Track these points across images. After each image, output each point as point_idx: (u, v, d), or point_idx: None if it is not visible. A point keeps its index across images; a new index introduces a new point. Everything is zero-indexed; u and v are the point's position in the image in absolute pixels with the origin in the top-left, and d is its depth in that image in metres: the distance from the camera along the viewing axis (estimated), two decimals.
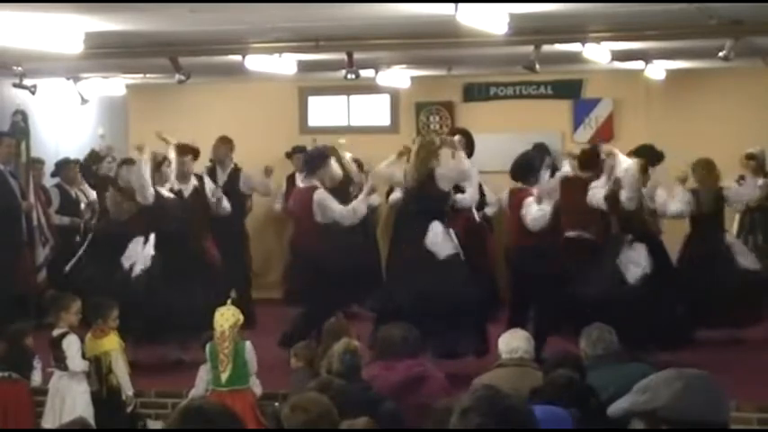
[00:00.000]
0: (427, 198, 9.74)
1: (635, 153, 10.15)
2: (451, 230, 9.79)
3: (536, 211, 9.88)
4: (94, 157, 12.30)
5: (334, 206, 10.07)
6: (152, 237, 10.08)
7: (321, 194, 10.07)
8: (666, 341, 9.39)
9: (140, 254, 10.08)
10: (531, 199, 9.97)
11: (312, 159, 10.57)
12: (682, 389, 2.95)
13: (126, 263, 10.11)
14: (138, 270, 9.99)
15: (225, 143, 12.62)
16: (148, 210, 10.17)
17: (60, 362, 8.34)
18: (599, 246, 10.03)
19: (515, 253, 10.31)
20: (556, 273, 9.70)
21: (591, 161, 10.49)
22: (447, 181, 9.85)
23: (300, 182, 11.39)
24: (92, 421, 7.76)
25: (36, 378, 8.57)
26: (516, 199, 10.23)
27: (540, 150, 11.38)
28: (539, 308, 9.96)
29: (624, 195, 9.74)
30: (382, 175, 10.51)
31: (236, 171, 12.55)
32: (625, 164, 9.80)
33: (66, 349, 8.29)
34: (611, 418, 3.09)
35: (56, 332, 8.42)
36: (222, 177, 12.38)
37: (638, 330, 9.02)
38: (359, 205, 10.26)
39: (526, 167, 10.33)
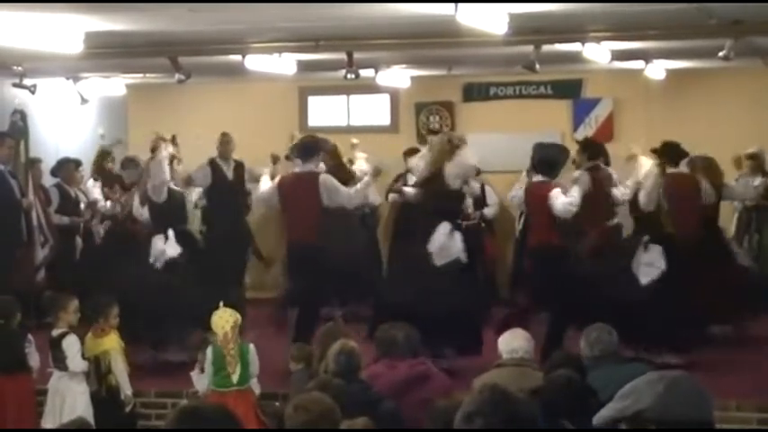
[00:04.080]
0: (436, 196, 9.75)
1: (658, 152, 10.37)
2: (457, 233, 9.76)
3: (566, 198, 9.58)
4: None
5: (341, 188, 9.98)
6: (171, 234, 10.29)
7: (327, 177, 10.06)
8: (679, 343, 9.42)
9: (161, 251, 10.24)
10: (557, 190, 9.63)
11: (307, 147, 10.28)
12: (664, 390, 2.98)
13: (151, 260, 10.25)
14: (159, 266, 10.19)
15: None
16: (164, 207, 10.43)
17: (60, 362, 8.30)
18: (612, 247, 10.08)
19: (541, 251, 9.86)
20: (579, 273, 9.65)
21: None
22: (454, 177, 9.82)
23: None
24: (91, 421, 7.77)
25: (33, 361, 8.48)
26: (540, 193, 9.81)
27: (562, 149, 11.20)
28: (559, 308, 9.72)
29: (643, 197, 10.00)
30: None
31: (239, 166, 12.38)
32: (646, 166, 9.86)
33: (67, 349, 8.26)
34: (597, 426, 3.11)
35: (55, 332, 8.38)
36: (228, 173, 12.27)
37: (652, 332, 9.10)
38: (363, 187, 10.15)
39: (552, 161, 10.00)
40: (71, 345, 8.27)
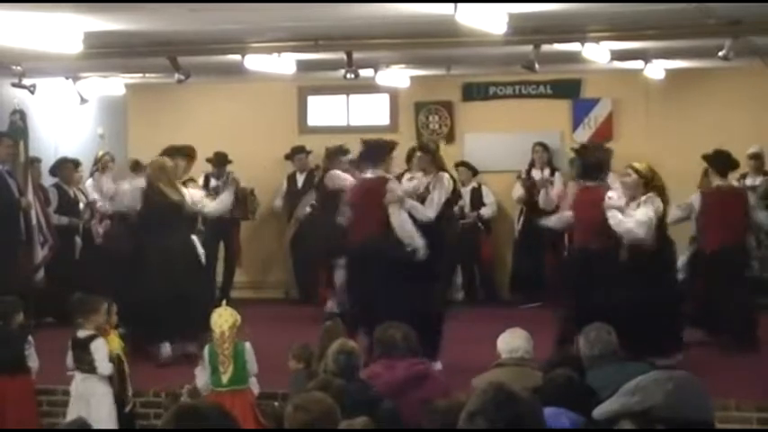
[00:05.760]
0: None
1: (708, 160, 10.42)
2: None
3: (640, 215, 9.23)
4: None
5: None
6: None
7: (394, 182, 9.86)
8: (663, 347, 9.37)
9: None
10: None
11: (374, 150, 10.03)
12: (674, 389, 2.98)
13: None
14: None
15: None
16: None
17: (86, 364, 8.18)
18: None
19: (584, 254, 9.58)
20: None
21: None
22: None
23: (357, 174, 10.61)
24: (115, 423, 7.96)
25: (33, 362, 8.46)
26: (588, 198, 9.48)
27: (606, 151, 10.66)
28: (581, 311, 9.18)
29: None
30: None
31: None
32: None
33: (95, 352, 8.13)
34: (597, 420, 3.09)
35: (81, 334, 8.23)
36: None
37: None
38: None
39: (597, 166, 9.72)
40: (99, 348, 8.16)
